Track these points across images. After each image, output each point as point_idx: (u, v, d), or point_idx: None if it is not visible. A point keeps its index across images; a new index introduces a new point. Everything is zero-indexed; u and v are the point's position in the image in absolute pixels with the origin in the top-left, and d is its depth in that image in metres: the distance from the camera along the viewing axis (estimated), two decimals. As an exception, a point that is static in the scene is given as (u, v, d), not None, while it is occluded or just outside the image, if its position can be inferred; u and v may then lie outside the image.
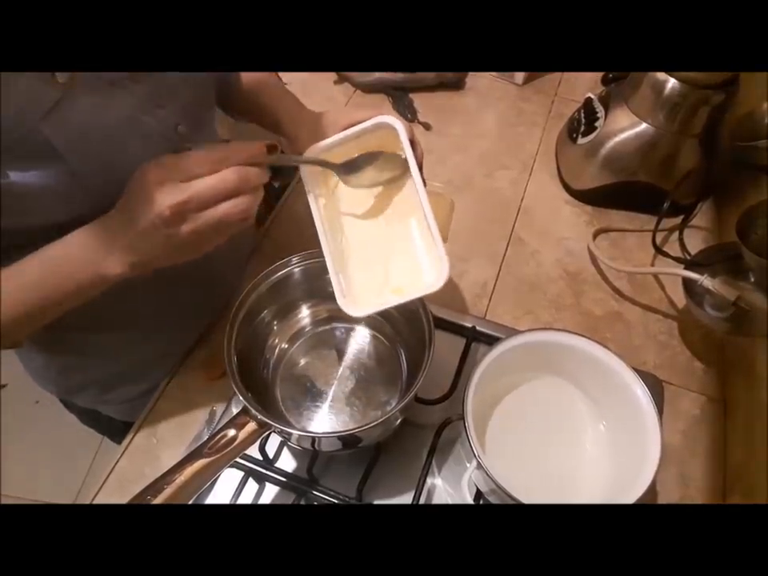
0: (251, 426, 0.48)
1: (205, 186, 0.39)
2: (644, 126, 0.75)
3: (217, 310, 0.70)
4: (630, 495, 0.47)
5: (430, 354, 0.51)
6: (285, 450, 0.61)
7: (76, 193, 0.45)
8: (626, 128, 0.76)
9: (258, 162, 0.42)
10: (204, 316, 0.70)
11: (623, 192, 0.80)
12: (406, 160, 0.49)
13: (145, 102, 0.48)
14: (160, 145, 0.51)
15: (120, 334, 0.62)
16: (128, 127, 0.47)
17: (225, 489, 0.58)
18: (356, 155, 0.50)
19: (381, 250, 0.52)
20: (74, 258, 0.43)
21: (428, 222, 0.48)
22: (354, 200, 0.53)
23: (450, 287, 0.75)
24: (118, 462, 0.61)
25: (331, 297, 0.62)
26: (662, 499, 0.59)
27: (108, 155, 0.46)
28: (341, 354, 0.63)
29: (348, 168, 0.50)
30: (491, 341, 0.64)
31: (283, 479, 0.58)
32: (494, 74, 1.02)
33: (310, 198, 0.50)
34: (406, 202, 0.53)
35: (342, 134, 0.50)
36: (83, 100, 0.43)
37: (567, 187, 0.86)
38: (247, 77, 0.65)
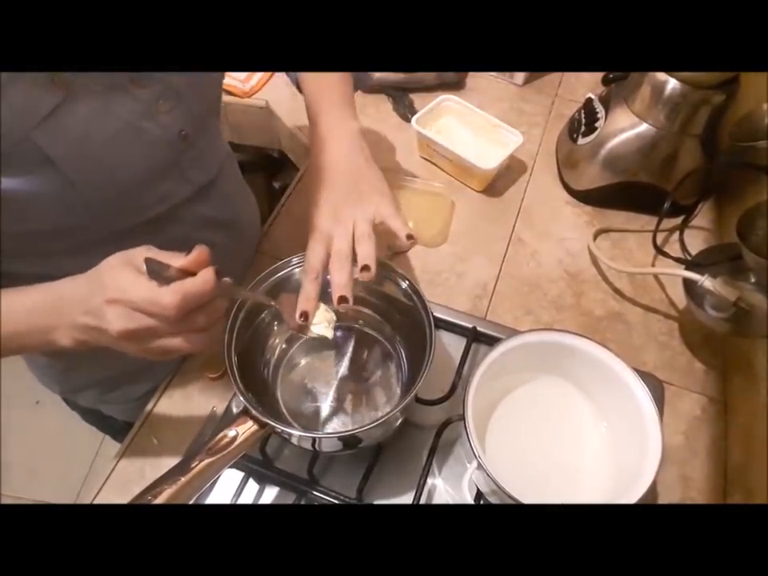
0: (252, 426, 0.48)
1: (159, 324, 0.38)
2: (644, 126, 0.75)
3: None
4: (630, 496, 0.47)
5: (431, 354, 0.51)
6: (285, 451, 0.61)
7: (73, 201, 0.45)
8: (626, 128, 0.76)
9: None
10: None
11: (624, 192, 0.80)
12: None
13: (147, 108, 0.47)
14: (162, 151, 0.51)
15: None
16: (129, 134, 0.46)
17: (225, 489, 0.58)
18: None
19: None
20: (28, 316, 0.42)
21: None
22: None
23: (451, 288, 0.75)
24: (118, 462, 0.61)
25: (331, 297, 0.62)
26: (663, 499, 0.59)
27: (107, 163, 0.46)
28: (341, 354, 0.63)
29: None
30: (492, 341, 0.64)
31: (284, 479, 0.58)
32: (494, 74, 1.02)
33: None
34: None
35: None
36: (82, 106, 0.42)
37: (568, 187, 0.86)
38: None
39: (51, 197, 0.43)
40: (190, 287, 0.38)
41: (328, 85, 0.58)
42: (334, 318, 0.53)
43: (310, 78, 0.59)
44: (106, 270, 0.39)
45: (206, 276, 0.38)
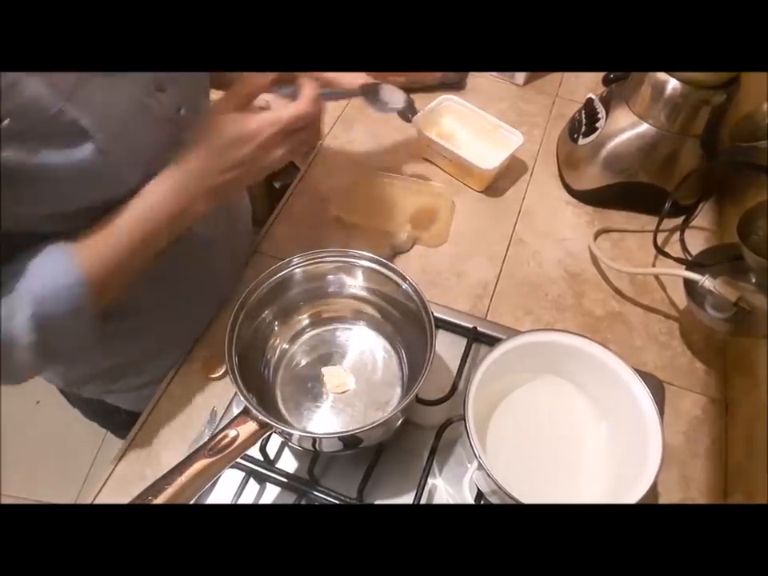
0: (252, 426, 0.48)
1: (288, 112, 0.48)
2: (645, 126, 0.75)
3: (218, 302, 0.70)
4: (631, 496, 0.47)
5: (431, 354, 0.51)
6: (286, 451, 0.61)
7: (105, 173, 0.46)
8: (626, 128, 0.76)
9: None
10: (206, 306, 0.70)
11: (624, 192, 0.80)
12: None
13: (147, 86, 0.49)
14: (165, 127, 0.52)
15: (123, 324, 0.62)
16: (138, 108, 0.48)
17: (226, 489, 0.58)
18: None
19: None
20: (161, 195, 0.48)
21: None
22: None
23: (451, 288, 0.75)
24: (119, 462, 0.61)
25: (332, 297, 0.63)
26: (664, 500, 0.59)
27: (128, 134, 0.47)
28: (342, 354, 0.63)
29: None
30: (492, 341, 0.64)
31: (284, 480, 0.58)
32: (494, 74, 1.03)
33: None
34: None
35: None
36: (98, 80, 0.44)
37: (568, 188, 0.86)
38: None
39: (84, 169, 0.44)
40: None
41: None
42: (353, 378, 0.61)
43: None
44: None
45: None
